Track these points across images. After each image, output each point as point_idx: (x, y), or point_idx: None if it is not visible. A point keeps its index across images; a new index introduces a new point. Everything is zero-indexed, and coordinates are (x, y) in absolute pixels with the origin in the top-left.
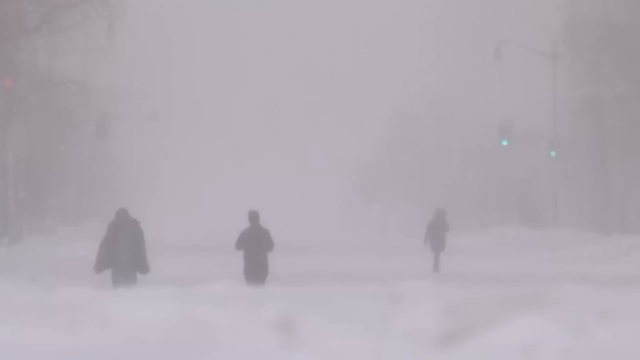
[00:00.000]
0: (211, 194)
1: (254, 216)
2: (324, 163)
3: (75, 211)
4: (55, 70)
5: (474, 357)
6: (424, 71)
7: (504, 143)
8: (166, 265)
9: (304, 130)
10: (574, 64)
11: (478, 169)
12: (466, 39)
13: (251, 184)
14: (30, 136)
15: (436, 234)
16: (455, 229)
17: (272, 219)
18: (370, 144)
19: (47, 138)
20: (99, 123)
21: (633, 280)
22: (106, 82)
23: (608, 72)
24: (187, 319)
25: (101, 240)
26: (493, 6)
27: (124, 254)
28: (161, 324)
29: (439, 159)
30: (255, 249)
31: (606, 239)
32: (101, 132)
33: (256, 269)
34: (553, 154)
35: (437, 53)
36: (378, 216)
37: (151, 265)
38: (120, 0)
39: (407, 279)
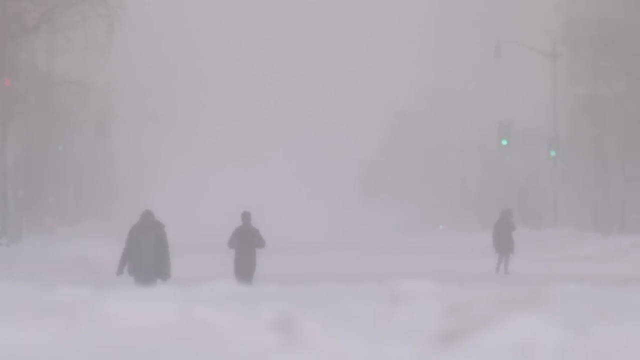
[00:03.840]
0: (210, 194)
1: (246, 216)
2: (324, 162)
3: (74, 210)
4: (55, 70)
5: (474, 357)
6: (423, 71)
7: (504, 143)
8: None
9: (304, 129)
10: (573, 63)
11: (478, 168)
12: (466, 39)
13: (251, 183)
14: (30, 135)
15: (502, 234)
16: (455, 228)
17: (272, 219)
18: (370, 144)
19: (46, 137)
20: (99, 122)
21: (633, 280)
22: (105, 82)
23: (608, 71)
24: (186, 318)
25: (125, 242)
26: (493, 6)
27: (146, 258)
28: (160, 324)
29: (439, 158)
30: (245, 246)
31: (606, 239)
32: (100, 132)
33: (244, 265)
34: (553, 153)
35: (437, 53)
36: (378, 216)
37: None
38: None
39: (407, 279)
